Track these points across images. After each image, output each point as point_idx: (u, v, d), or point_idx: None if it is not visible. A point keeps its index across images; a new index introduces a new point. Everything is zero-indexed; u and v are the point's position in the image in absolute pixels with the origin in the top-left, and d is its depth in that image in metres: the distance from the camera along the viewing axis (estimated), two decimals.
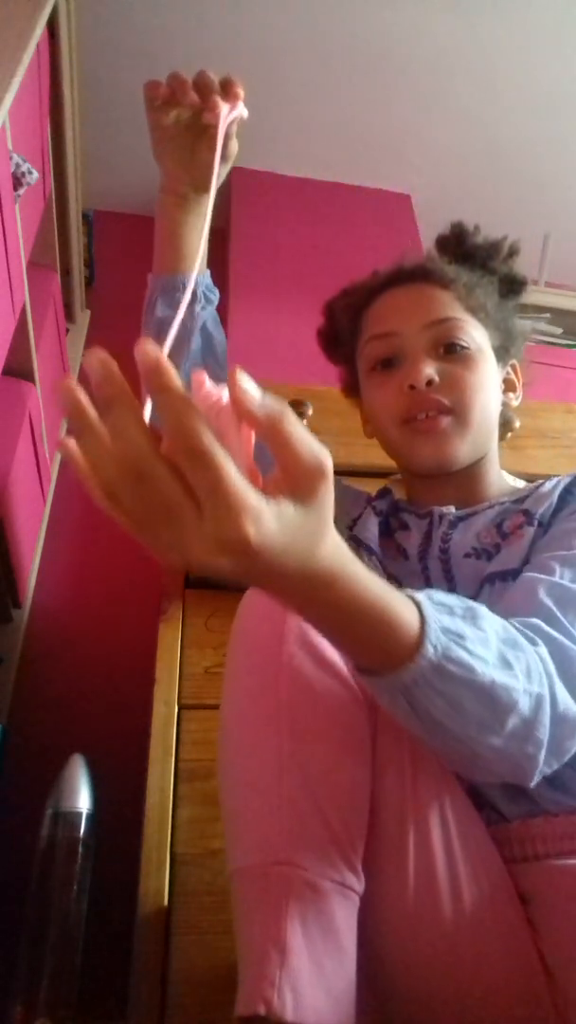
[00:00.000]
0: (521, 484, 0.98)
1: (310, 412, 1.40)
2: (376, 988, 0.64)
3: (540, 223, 2.40)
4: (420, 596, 0.54)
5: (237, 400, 0.40)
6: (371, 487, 1.37)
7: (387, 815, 0.65)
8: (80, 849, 0.98)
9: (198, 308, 0.94)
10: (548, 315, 2.20)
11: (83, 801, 1.02)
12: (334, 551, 0.45)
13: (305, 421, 1.39)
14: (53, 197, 1.74)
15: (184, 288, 0.90)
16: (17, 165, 1.28)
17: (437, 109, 2.30)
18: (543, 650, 0.62)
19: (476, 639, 0.55)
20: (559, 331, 2.22)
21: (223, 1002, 0.84)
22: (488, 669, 0.55)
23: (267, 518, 0.40)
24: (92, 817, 1.01)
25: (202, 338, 0.96)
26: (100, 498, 0.42)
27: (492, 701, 0.55)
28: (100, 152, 2.29)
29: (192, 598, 1.21)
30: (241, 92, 0.81)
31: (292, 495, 0.41)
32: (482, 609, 0.59)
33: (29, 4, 1.38)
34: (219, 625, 1.17)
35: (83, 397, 0.41)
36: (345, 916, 0.60)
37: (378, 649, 0.52)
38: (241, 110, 0.81)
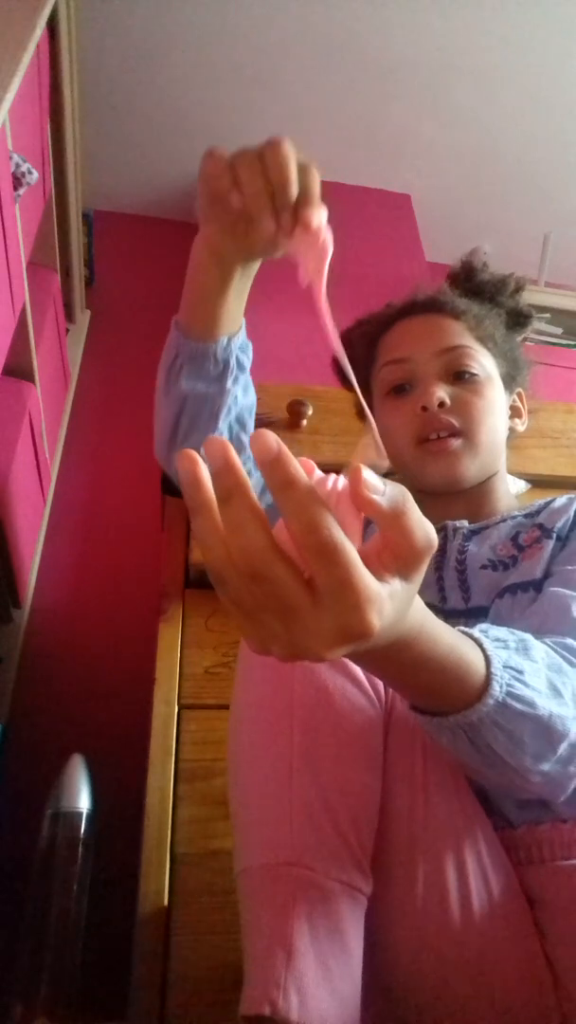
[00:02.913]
0: (522, 484, 1.00)
1: (310, 412, 1.40)
2: (382, 989, 0.64)
3: (540, 223, 2.40)
4: (477, 634, 0.55)
5: (360, 495, 0.39)
6: None
7: (396, 816, 0.65)
8: (80, 849, 0.98)
9: (229, 383, 0.82)
10: (548, 315, 2.20)
11: (83, 801, 1.02)
12: (416, 609, 0.45)
13: (305, 421, 1.39)
14: (53, 197, 1.74)
15: (215, 359, 0.80)
16: (17, 165, 1.28)
17: (437, 109, 2.30)
18: None
19: (531, 671, 0.56)
20: (559, 331, 2.22)
21: (223, 1002, 0.84)
22: (544, 701, 0.56)
23: (387, 603, 0.39)
24: (92, 817, 1.01)
25: (232, 408, 0.86)
26: (210, 575, 0.40)
27: (549, 732, 0.57)
28: (100, 152, 2.29)
29: (192, 598, 1.21)
30: (317, 216, 0.62)
31: (400, 572, 0.41)
32: (530, 639, 0.60)
33: (29, 4, 1.38)
34: (219, 625, 1.17)
35: (203, 473, 0.39)
36: (352, 918, 0.60)
37: (447, 693, 0.53)
38: (323, 221, 0.62)
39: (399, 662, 0.48)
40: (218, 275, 0.74)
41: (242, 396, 0.85)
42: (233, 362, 0.82)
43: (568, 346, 2.21)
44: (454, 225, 2.60)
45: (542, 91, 2.26)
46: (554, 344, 2.20)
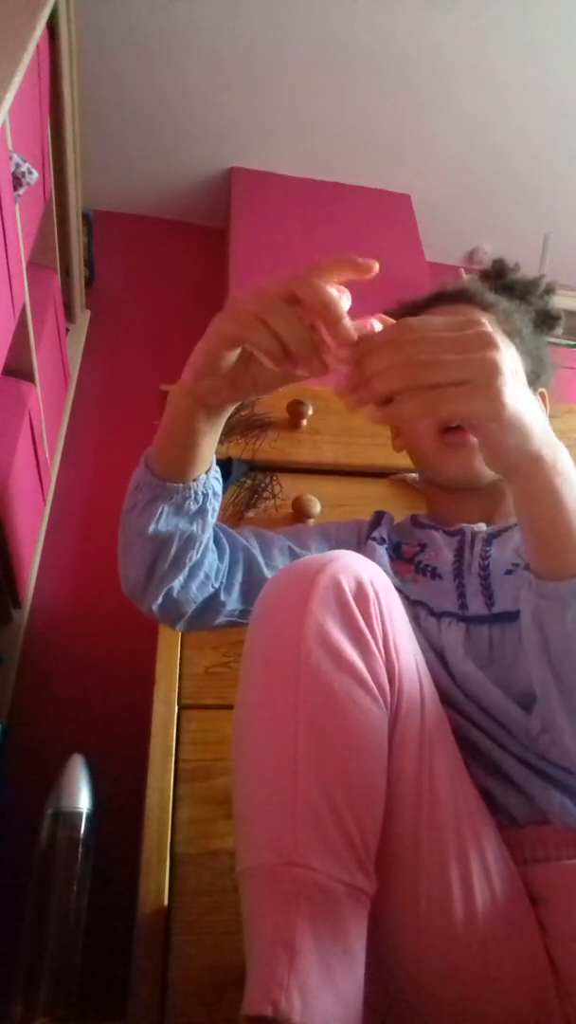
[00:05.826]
0: None
1: (310, 412, 1.39)
2: (385, 990, 0.64)
3: (540, 223, 2.40)
4: None
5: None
6: (371, 487, 1.36)
7: (400, 817, 0.65)
8: (80, 849, 0.98)
9: (210, 516, 0.80)
10: None
11: (83, 801, 1.02)
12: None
13: (305, 421, 1.39)
14: (53, 197, 1.74)
15: (196, 496, 0.78)
16: (17, 165, 1.28)
17: (437, 109, 2.30)
18: None
19: None
20: (559, 331, 2.22)
21: (223, 1002, 0.84)
22: None
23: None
24: (92, 817, 1.02)
25: (220, 547, 0.85)
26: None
27: None
28: (100, 152, 2.29)
29: None
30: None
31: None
32: None
33: (29, 4, 1.38)
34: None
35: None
36: (355, 918, 0.60)
37: None
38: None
39: (544, 473, 0.61)
40: (205, 421, 0.73)
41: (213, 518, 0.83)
42: (211, 495, 0.80)
43: (568, 346, 2.21)
44: (454, 225, 2.60)
45: (542, 91, 2.26)
46: (554, 344, 2.20)
